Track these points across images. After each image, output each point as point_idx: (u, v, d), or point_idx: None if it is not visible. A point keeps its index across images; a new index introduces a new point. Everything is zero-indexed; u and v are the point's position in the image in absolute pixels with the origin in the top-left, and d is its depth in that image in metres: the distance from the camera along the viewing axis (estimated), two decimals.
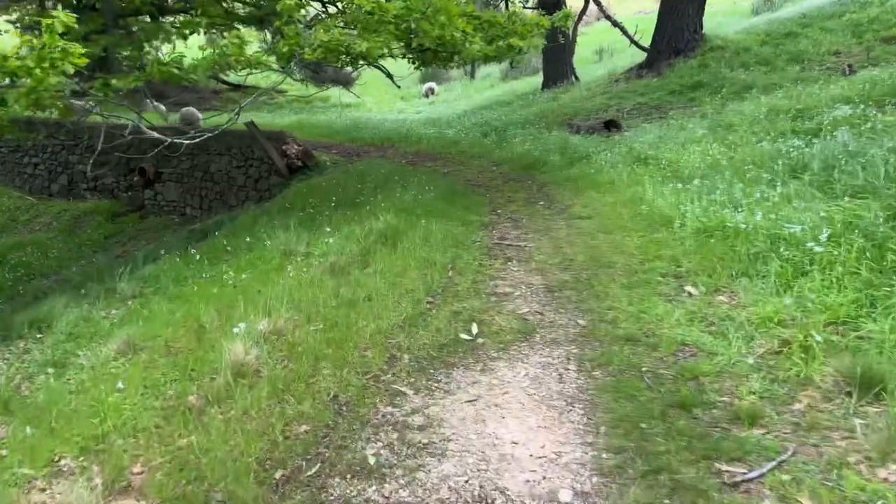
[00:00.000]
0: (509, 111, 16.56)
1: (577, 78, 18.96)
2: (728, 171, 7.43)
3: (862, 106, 8.39)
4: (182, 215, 15.27)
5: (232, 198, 14.15)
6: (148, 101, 24.37)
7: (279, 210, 8.73)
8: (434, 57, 7.84)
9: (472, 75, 28.94)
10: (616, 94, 14.48)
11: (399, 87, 14.06)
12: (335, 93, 27.47)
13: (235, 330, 3.89)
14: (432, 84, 27.03)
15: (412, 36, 7.01)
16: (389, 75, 12.01)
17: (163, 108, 23.98)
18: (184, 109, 18.42)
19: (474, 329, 4.13)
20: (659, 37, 15.71)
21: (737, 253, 5.02)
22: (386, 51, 6.68)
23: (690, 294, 4.64)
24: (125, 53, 9.84)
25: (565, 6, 18.31)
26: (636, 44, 17.68)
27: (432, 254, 5.73)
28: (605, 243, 5.97)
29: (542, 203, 8.09)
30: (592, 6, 21.18)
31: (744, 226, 5.33)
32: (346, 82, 26.21)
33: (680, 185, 7.10)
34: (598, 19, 33.21)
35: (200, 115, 17.86)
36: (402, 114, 23.86)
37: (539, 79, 20.68)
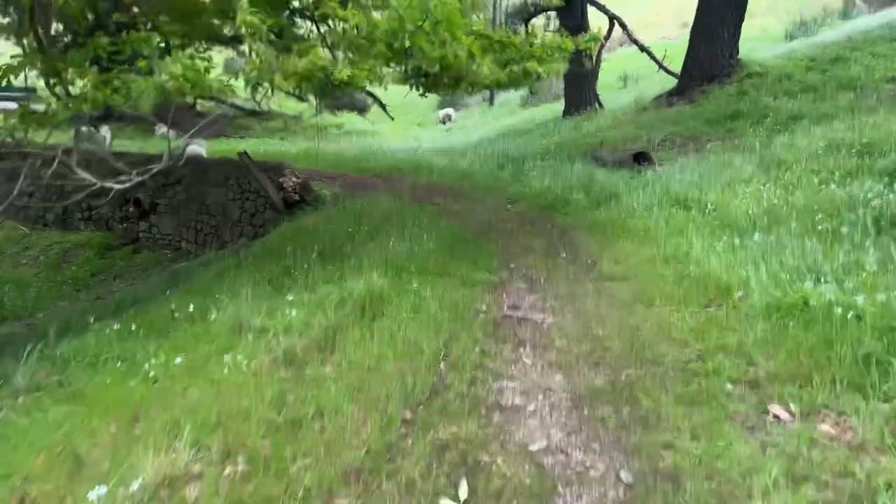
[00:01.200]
0: (528, 140, 15.21)
1: (601, 105, 17.60)
2: (793, 221, 5.97)
3: None
4: (177, 250, 14.05)
5: (226, 233, 12.89)
6: (158, 126, 23.44)
7: (255, 258, 7.40)
8: (436, 82, 6.49)
9: (492, 101, 27.71)
10: (645, 123, 13.07)
11: (392, 118, 12.76)
12: (352, 119, 26.43)
13: (92, 496, 2.51)
14: (450, 110, 25.84)
15: (408, 57, 5.67)
16: (383, 105, 10.74)
17: (171, 133, 23.06)
18: (187, 146, 16.95)
19: (463, 490, 2.70)
20: (691, 61, 14.32)
21: (835, 350, 3.56)
22: (376, 76, 5.35)
23: (779, 419, 3.17)
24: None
25: (589, 29, 17.02)
26: (665, 69, 16.29)
27: (421, 334, 4.33)
28: (647, 321, 4.52)
29: (564, 255, 6.67)
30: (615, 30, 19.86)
31: (839, 309, 3.86)
32: (362, 109, 25.14)
33: (736, 240, 5.64)
34: (622, 45, 31.92)
35: (202, 148, 16.66)
36: (417, 141, 22.64)
37: (560, 105, 19.34)
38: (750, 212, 6.63)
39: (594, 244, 7.00)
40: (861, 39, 13.75)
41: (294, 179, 11.34)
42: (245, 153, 11.26)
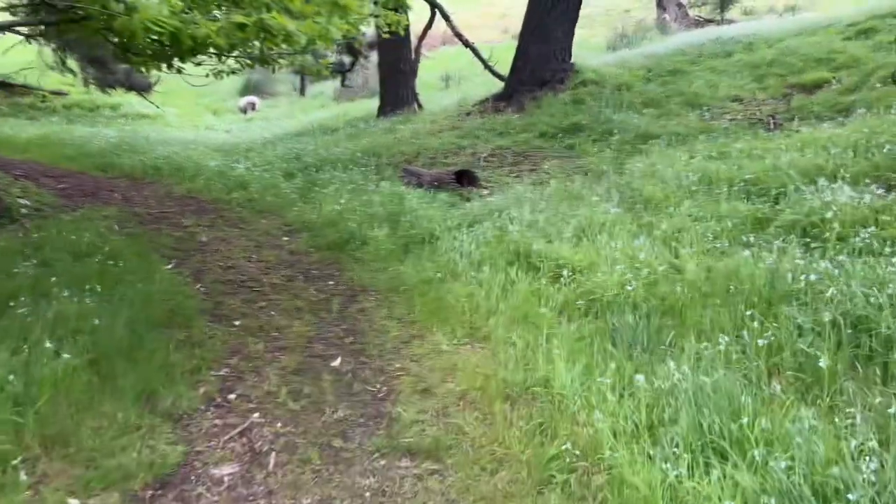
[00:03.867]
0: (332, 141, 12.10)
1: (420, 106, 14.89)
2: (716, 328, 3.51)
3: (872, 187, 4.90)
4: None
5: None
6: None
7: None
8: (89, 29, 3.23)
9: (302, 91, 24.09)
10: (469, 132, 10.50)
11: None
12: (132, 100, 21.54)
13: None
14: (253, 98, 21.90)
15: None
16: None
17: None
18: None
19: None
20: (521, 62, 12.01)
21: None
22: None
23: None
24: None
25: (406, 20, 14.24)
26: (491, 70, 13.94)
27: None
28: None
29: (338, 364, 3.70)
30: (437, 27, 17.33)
31: None
32: (143, 88, 20.42)
33: (638, 376, 3.00)
34: (444, 43, 29.74)
35: None
36: (208, 131, 18.64)
37: (376, 103, 16.38)
38: (628, 287, 4.11)
39: (394, 333, 4.11)
40: (695, 53, 12.26)
41: None
42: None
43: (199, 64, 4.96)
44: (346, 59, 17.95)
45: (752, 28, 14.16)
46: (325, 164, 9.66)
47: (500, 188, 7.73)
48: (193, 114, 21.41)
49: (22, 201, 8.02)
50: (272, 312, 4.50)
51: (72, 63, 20.48)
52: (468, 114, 12.07)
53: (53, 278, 4.35)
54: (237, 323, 4.27)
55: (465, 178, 7.95)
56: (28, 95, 20.80)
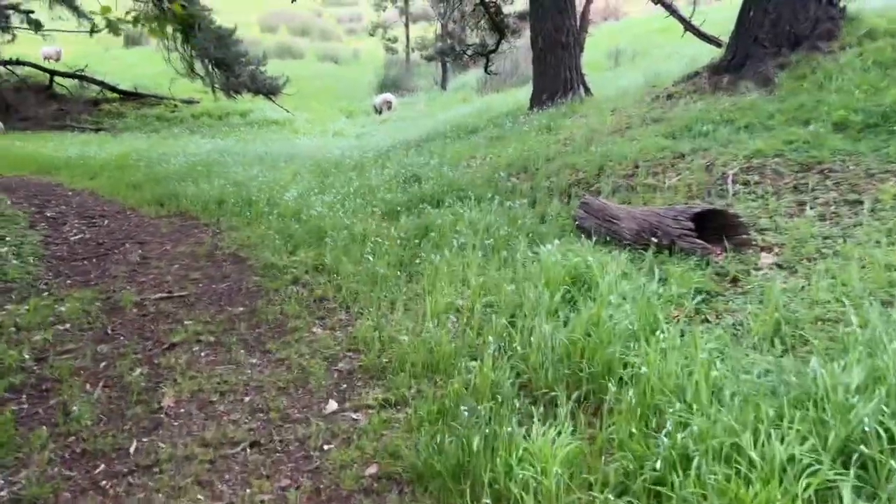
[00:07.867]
0: (466, 150, 8.16)
1: (587, 90, 10.51)
2: None
3: None
4: None
5: None
6: None
7: None
8: None
9: (444, 85, 20.41)
10: (685, 126, 6.05)
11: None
12: (262, 105, 19.06)
13: None
14: (388, 96, 18.57)
15: None
16: None
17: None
18: None
19: None
20: (755, 13, 7.29)
21: None
22: None
23: None
24: None
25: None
26: (697, 32, 9.25)
27: None
28: None
29: None
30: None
31: None
32: (269, 91, 17.75)
33: None
34: (606, 18, 24.72)
35: None
36: (336, 137, 15.53)
37: (527, 93, 12.17)
38: None
39: None
40: None
41: None
42: None
43: None
44: (490, 41, 13.99)
45: None
46: (448, 193, 5.78)
47: (797, 249, 3.37)
48: (326, 117, 18.52)
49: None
50: None
51: (200, 69, 18.25)
52: (670, 97, 7.59)
53: None
54: None
55: (717, 227, 3.66)
56: (158, 105, 19.03)
